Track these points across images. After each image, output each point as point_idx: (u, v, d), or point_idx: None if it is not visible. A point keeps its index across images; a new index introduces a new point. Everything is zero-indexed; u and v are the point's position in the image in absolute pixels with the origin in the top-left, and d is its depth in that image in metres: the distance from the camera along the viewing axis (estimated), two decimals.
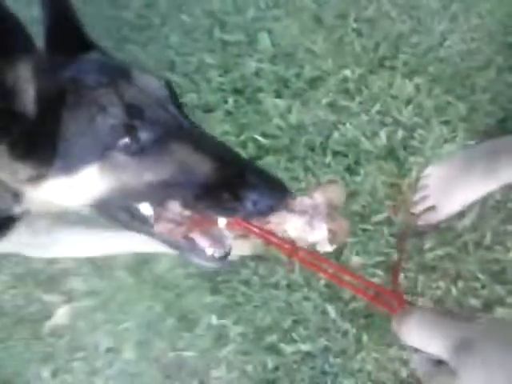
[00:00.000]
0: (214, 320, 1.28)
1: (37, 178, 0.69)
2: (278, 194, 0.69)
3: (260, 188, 0.68)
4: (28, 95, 0.68)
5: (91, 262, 1.39)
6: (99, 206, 0.74)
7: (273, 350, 1.25)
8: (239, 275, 1.27)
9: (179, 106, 0.74)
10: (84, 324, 1.41)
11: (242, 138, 1.27)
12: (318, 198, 0.78)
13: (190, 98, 1.31)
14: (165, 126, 0.69)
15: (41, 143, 0.68)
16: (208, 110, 1.30)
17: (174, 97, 0.74)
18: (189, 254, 0.78)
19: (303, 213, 0.78)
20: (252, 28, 1.29)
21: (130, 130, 0.67)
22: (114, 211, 0.76)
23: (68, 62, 0.73)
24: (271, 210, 0.69)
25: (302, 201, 0.78)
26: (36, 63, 0.69)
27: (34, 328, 1.45)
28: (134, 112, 0.67)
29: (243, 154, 1.27)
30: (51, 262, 1.44)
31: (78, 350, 1.42)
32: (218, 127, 1.29)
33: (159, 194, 0.71)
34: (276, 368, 1.23)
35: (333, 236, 0.79)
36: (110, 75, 0.71)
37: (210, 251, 0.77)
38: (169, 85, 0.75)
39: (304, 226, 0.79)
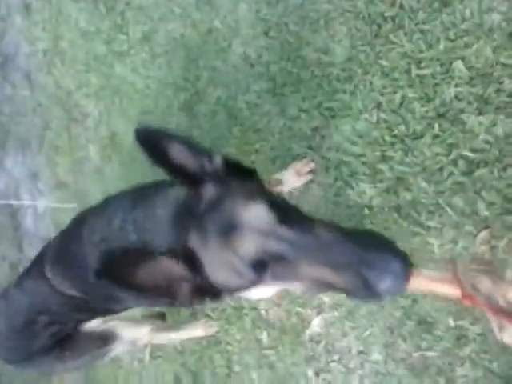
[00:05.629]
0: (451, 322, 1.41)
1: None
2: (398, 266, 0.76)
3: (380, 267, 0.76)
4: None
5: None
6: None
7: None
8: None
9: (286, 219, 0.84)
10: (335, 331, 1.69)
11: (452, 156, 1.41)
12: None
13: (398, 130, 1.52)
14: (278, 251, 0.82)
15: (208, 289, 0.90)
16: (416, 137, 1.49)
17: (278, 214, 0.84)
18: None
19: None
20: (445, 58, 1.44)
21: (259, 270, 0.83)
22: None
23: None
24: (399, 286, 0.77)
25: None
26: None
27: (296, 336, 1.80)
28: (256, 265, 0.83)
29: (455, 171, 1.41)
30: None
31: (334, 353, 1.70)
32: (427, 151, 1.46)
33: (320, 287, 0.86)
34: None
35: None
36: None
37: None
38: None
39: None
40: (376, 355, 1.59)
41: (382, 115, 1.54)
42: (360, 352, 1.64)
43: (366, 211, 1.57)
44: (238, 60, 1.96)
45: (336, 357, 1.70)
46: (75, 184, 2.92)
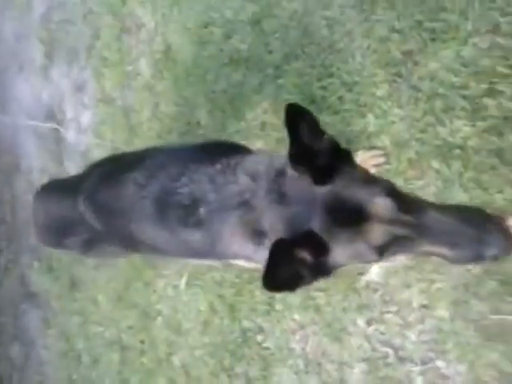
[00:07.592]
0: None
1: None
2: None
3: (490, 242, 0.86)
4: None
5: None
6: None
7: None
8: None
9: (404, 206, 0.91)
10: (396, 282, 1.54)
11: None
12: None
13: None
14: None
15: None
16: None
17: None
18: None
19: None
20: None
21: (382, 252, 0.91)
22: None
23: None
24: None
25: None
26: None
27: (351, 281, 1.66)
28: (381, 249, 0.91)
29: None
30: None
31: (392, 305, 1.56)
32: None
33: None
34: None
35: None
36: None
37: None
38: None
39: None
40: (442, 312, 1.44)
41: (499, 40, 1.31)
42: (423, 306, 1.49)
43: (458, 152, 1.38)
44: None
45: (393, 308, 1.55)
46: (122, 99, 2.77)
